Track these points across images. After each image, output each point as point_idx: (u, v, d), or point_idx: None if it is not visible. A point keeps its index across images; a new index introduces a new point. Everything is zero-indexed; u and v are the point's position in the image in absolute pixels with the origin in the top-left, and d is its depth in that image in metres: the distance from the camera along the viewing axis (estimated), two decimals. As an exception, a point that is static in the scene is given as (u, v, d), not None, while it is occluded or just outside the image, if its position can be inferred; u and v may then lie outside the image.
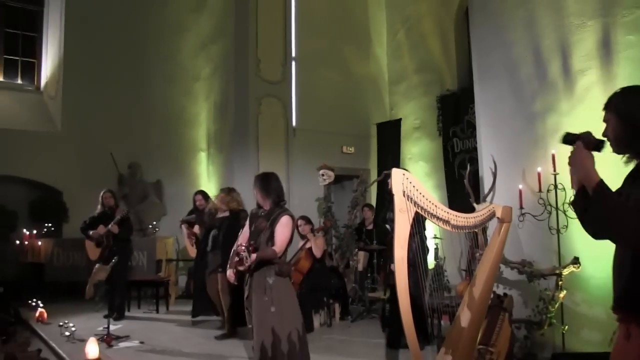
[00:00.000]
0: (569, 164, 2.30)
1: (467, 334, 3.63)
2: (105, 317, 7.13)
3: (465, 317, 3.73)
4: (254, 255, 4.15)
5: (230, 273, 4.52)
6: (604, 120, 2.35)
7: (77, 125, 10.75)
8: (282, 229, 4.33)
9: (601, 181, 2.14)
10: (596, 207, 2.16)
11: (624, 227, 2.07)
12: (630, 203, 2.11)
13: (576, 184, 2.35)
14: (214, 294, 6.94)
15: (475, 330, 3.71)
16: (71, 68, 10.81)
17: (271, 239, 4.33)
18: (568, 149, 2.38)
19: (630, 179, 2.31)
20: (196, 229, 7.98)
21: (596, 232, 2.36)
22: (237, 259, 4.10)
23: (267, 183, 4.48)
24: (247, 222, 4.67)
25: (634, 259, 2.16)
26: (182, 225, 8.23)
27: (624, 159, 2.30)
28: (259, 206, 4.56)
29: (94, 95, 10.91)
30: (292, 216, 4.45)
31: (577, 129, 2.56)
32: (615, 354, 2.34)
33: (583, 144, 2.26)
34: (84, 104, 10.85)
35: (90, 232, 7.77)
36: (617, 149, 2.31)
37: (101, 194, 7.96)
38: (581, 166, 2.22)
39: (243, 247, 4.10)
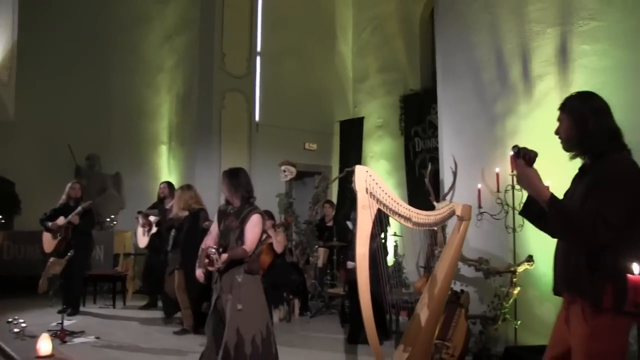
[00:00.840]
0: (518, 182, 2.55)
1: (425, 328, 3.72)
2: (60, 312, 6.98)
3: (424, 312, 3.81)
4: (224, 256, 4.09)
5: (199, 273, 4.48)
6: (558, 120, 2.61)
7: (32, 114, 10.44)
8: (252, 228, 4.27)
9: (552, 195, 2.40)
10: (554, 219, 2.40)
11: (577, 231, 2.35)
12: (580, 208, 2.37)
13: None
14: (171, 291, 6.92)
15: (434, 325, 3.80)
16: (26, 54, 10.48)
17: (241, 237, 4.26)
18: (535, 148, 2.55)
19: (577, 175, 2.62)
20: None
21: (553, 235, 2.64)
22: (207, 260, 4.04)
23: (236, 179, 4.41)
24: (215, 219, 4.59)
25: (579, 251, 2.44)
26: (139, 216, 8.14)
27: (570, 155, 2.59)
28: (227, 202, 4.50)
29: (50, 83, 10.61)
30: (262, 214, 4.39)
31: (534, 132, 2.74)
32: (555, 337, 2.65)
33: (525, 162, 2.50)
34: (39, 92, 10.56)
35: (49, 224, 7.55)
36: (567, 147, 2.59)
37: (69, 184, 7.77)
38: (530, 184, 2.47)
39: (213, 250, 4.04)
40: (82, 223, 7.61)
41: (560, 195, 2.54)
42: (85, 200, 7.75)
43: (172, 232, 6.84)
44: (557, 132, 2.62)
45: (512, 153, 2.61)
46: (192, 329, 6.63)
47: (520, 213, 2.82)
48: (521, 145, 2.58)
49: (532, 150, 2.52)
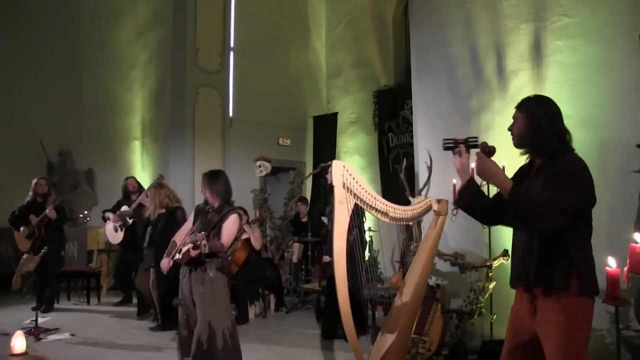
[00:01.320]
0: (478, 174, 2.72)
1: (403, 323, 3.73)
2: (34, 309, 6.90)
3: (401, 307, 3.83)
4: (207, 246, 4.19)
5: (165, 262, 4.57)
6: (513, 117, 2.80)
7: (2, 109, 10.27)
8: (230, 226, 4.44)
9: (514, 186, 2.59)
10: (514, 208, 2.58)
11: (535, 217, 2.52)
12: (539, 201, 2.52)
13: (463, 181, 2.84)
14: (142, 287, 6.94)
15: (412, 319, 3.82)
16: (-3, 48, 10.34)
17: (217, 234, 4.42)
18: (505, 145, 2.66)
19: (526, 172, 2.83)
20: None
21: (490, 222, 3.05)
22: (191, 245, 4.12)
23: (216, 181, 4.57)
24: (191, 217, 4.75)
25: (542, 245, 2.64)
26: (106, 214, 8.04)
27: (521, 152, 2.82)
28: (206, 202, 4.64)
29: (21, 78, 10.47)
30: (240, 214, 4.61)
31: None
32: (515, 327, 2.84)
33: (485, 154, 2.72)
34: (9, 86, 10.39)
35: (21, 229, 7.40)
36: (518, 144, 2.79)
37: (34, 180, 7.63)
38: (492, 175, 2.66)
39: (202, 235, 4.15)
40: (57, 217, 7.49)
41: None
42: (52, 194, 7.62)
43: (149, 229, 6.79)
44: (510, 129, 2.81)
45: (477, 150, 2.79)
46: (160, 325, 6.63)
47: (455, 202, 3.03)
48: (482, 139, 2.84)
49: (491, 145, 2.77)
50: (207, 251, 4.13)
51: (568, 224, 2.48)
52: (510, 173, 2.87)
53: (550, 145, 2.67)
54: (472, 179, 2.85)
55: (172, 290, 6.13)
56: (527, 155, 2.83)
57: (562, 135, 2.71)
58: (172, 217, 6.54)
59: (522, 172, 2.88)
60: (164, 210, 6.70)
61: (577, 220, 2.54)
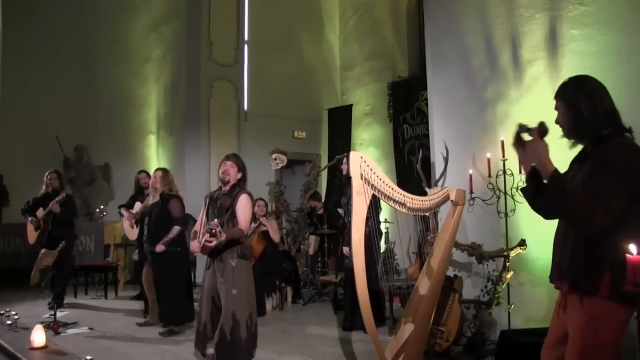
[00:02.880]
0: (525, 154, 2.48)
1: (422, 313, 3.75)
2: (49, 305, 6.97)
3: (420, 297, 3.84)
4: (224, 234, 4.19)
5: (196, 244, 4.50)
6: (555, 108, 2.58)
7: (19, 104, 10.38)
8: (243, 207, 4.43)
9: (555, 170, 2.34)
10: (551, 194, 2.33)
11: (575, 212, 2.28)
12: (581, 190, 2.31)
13: (526, 169, 2.55)
14: (147, 284, 6.60)
15: (430, 310, 3.83)
16: (11, 45, 10.35)
17: (232, 218, 4.41)
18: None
19: (576, 162, 2.58)
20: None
21: (548, 214, 2.59)
22: (208, 235, 4.12)
23: (243, 163, 4.64)
24: (203, 206, 4.73)
25: (576, 238, 2.40)
26: (122, 210, 8.06)
27: (570, 143, 2.55)
28: (216, 190, 4.67)
29: (37, 73, 10.60)
30: (250, 195, 4.55)
31: (524, 117, 2.75)
32: (554, 322, 2.63)
33: (538, 134, 2.44)
34: (26, 82, 10.52)
35: (29, 219, 7.49)
36: (567, 134, 2.54)
37: (46, 174, 7.69)
38: (537, 156, 2.40)
39: (216, 223, 4.12)
40: (63, 212, 7.44)
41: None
42: (63, 188, 7.66)
43: (145, 221, 6.47)
44: (557, 122, 2.58)
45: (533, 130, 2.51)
46: (159, 321, 6.29)
47: (521, 189, 2.75)
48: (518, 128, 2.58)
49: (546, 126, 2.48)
50: (223, 238, 4.12)
51: (612, 223, 2.22)
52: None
53: (597, 127, 2.43)
54: (556, 170, 2.41)
55: (173, 285, 6.16)
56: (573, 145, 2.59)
57: (610, 115, 2.45)
58: (165, 205, 6.21)
59: (574, 161, 2.63)
60: (157, 199, 6.34)
61: (624, 215, 2.26)
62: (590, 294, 2.33)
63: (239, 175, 4.56)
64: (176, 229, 6.13)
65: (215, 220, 4.18)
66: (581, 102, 2.46)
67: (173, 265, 6.16)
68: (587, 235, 2.36)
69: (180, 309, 6.21)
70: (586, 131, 2.46)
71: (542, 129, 2.46)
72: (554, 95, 2.62)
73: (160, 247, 6.02)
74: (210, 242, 4.16)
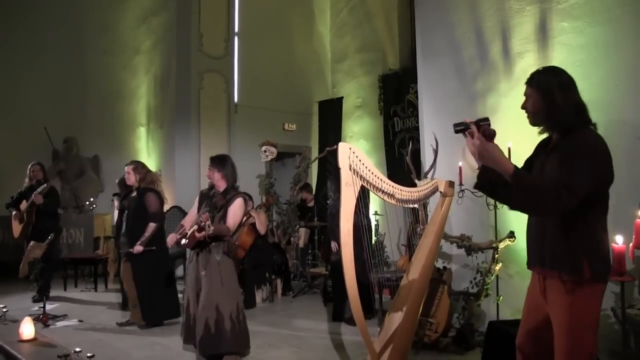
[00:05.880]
0: (479, 158, 2.57)
1: (410, 305, 3.75)
2: (34, 298, 6.95)
3: (408, 289, 3.84)
4: (212, 227, 4.24)
5: (173, 237, 4.63)
6: (525, 94, 2.67)
7: (7, 97, 10.32)
8: (236, 210, 4.52)
9: (516, 168, 2.45)
10: (518, 192, 2.44)
11: (542, 205, 2.41)
12: (546, 182, 2.44)
13: (479, 165, 2.73)
14: (127, 282, 6.23)
15: (419, 301, 3.83)
16: (1, 36, 10.34)
17: (223, 218, 4.49)
18: (511, 127, 2.60)
19: (543, 148, 2.71)
20: None
21: (516, 208, 2.67)
22: (196, 227, 4.20)
23: (224, 166, 4.66)
24: (196, 202, 4.82)
25: (554, 226, 2.56)
26: (114, 199, 8.05)
27: (539, 130, 2.68)
28: (210, 187, 4.75)
29: (25, 65, 10.53)
30: (245, 198, 4.68)
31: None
32: (530, 309, 2.79)
33: (485, 137, 2.53)
34: (14, 74, 10.44)
35: (14, 212, 7.48)
36: (534, 121, 2.66)
37: (29, 166, 7.64)
38: (493, 159, 2.50)
39: (206, 215, 4.20)
40: (47, 203, 7.38)
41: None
42: (47, 180, 7.60)
43: (125, 214, 6.32)
44: (524, 107, 2.68)
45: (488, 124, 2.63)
46: (145, 323, 6.06)
47: (475, 186, 2.88)
48: (492, 123, 2.64)
49: (491, 128, 2.59)
50: (211, 232, 4.16)
51: (579, 204, 2.37)
52: (515, 155, 2.84)
53: (567, 118, 2.53)
54: (516, 168, 2.58)
55: (155, 283, 6.07)
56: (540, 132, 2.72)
57: (579, 108, 2.57)
58: (141, 198, 6.10)
59: (539, 148, 2.78)
60: (134, 194, 6.24)
61: (592, 201, 2.43)
62: (576, 278, 2.48)
63: (226, 181, 4.63)
64: (152, 226, 6.02)
65: (207, 214, 4.23)
66: (555, 92, 2.54)
67: (151, 264, 6.06)
68: (563, 223, 2.51)
69: (163, 307, 6.14)
70: (557, 120, 2.56)
71: (489, 133, 2.55)
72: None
73: (138, 249, 5.92)
74: (199, 235, 4.21)
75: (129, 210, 6.22)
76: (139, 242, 5.94)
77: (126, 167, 6.28)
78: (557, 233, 2.54)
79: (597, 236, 2.52)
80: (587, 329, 2.51)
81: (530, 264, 2.78)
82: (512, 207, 2.67)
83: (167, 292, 6.21)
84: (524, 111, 2.71)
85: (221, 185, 4.62)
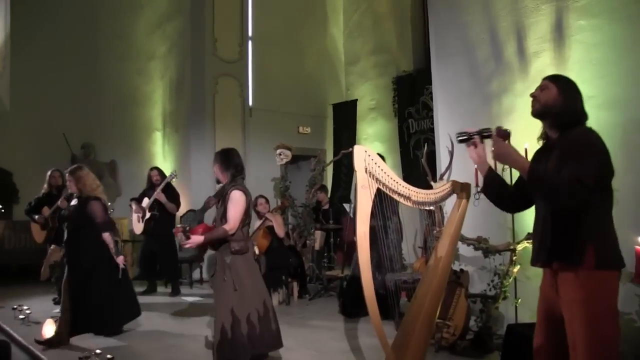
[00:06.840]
0: (495, 158, 2.77)
1: (427, 308, 3.72)
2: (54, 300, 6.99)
3: (426, 291, 3.82)
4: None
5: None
6: (542, 85, 2.78)
7: (27, 103, 10.42)
8: (234, 205, 4.36)
9: (532, 165, 2.62)
10: (535, 187, 2.61)
11: (558, 196, 2.51)
12: (560, 177, 2.53)
13: (483, 173, 2.97)
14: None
15: (436, 304, 3.80)
16: (17, 43, 10.42)
17: (224, 215, 4.38)
18: (527, 127, 2.65)
19: (542, 153, 2.84)
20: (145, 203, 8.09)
21: (512, 208, 3.14)
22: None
23: (227, 157, 4.54)
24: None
25: (555, 219, 2.63)
26: (132, 203, 8.15)
27: (539, 136, 2.88)
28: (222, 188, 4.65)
29: (44, 72, 10.66)
30: (243, 190, 4.46)
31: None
32: (546, 304, 2.81)
33: (500, 137, 2.79)
34: (33, 81, 10.55)
35: (36, 217, 7.54)
36: (541, 111, 2.76)
37: (48, 173, 7.71)
38: (509, 158, 2.69)
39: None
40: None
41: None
42: (65, 186, 7.65)
43: (65, 225, 5.90)
44: (533, 95, 2.79)
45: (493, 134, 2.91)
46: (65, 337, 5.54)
47: (481, 191, 3.08)
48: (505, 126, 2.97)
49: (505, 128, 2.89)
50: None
51: (589, 198, 2.46)
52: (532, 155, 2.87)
53: (576, 120, 2.68)
54: (491, 169, 2.96)
55: (83, 293, 5.58)
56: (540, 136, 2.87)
57: (584, 114, 2.73)
58: (83, 207, 5.68)
59: (539, 154, 2.88)
60: (75, 202, 5.85)
61: (596, 192, 2.50)
62: (581, 268, 2.52)
63: (227, 174, 4.50)
64: (107, 237, 5.65)
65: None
66: (577, 99, 2.72)
67: (102, 274, 5.72)
68: (564, 215, 2.59)
69: (120, 314, 5.93)
70: (567, 120, 2.68)
71: (504, 134, 2.84)
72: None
73: (120, 260, 5.66)
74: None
75: (70, 219, 5.82)
76: (116, 257, 5.65)
77: (67, 176, 5.90)
78: (559, 224, 2.62)
79: (603, 227, 2.59)
80: (605, 320, 2.51)
81: (532, 261, 2.83)
82: (518, 210, 2.92)
83: (121, 298, 5.91)
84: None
85: (223, 179, 4.54)
